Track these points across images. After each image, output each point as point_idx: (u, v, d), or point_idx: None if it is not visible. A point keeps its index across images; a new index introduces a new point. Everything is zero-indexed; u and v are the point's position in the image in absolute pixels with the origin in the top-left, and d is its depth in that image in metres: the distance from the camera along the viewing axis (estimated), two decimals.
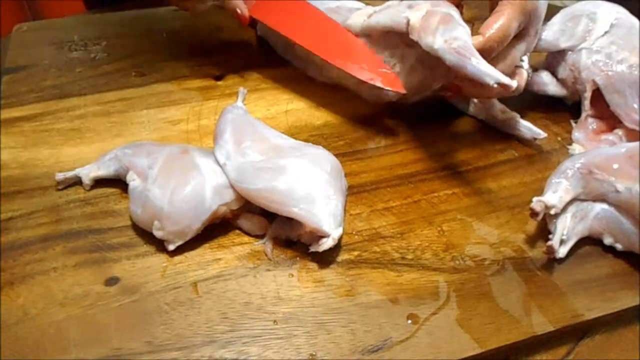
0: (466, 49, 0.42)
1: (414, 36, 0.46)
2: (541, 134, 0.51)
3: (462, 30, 0.44)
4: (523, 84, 0.48)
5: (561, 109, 0.57)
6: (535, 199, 0.41)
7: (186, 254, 0.40)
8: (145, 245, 0.40)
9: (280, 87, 0.57)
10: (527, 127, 0.52)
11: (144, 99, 0.54)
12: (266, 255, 0.40)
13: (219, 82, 0.57)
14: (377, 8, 0.51)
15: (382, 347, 0.35)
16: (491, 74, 0.41)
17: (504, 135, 0.53)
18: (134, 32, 0.64)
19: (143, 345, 0.34)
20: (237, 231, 0.42)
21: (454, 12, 0.45)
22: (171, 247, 0.39)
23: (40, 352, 0.34)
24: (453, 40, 0.43)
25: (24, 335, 0.34)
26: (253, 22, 0.62)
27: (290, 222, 0.40)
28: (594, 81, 0.51)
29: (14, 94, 0.53)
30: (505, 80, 0.41)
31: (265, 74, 0.59)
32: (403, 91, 0.49)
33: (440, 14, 0.44)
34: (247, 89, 0.55)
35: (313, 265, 0.40)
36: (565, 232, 0.41)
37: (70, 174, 0.44)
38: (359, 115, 0.54)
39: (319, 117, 0.54)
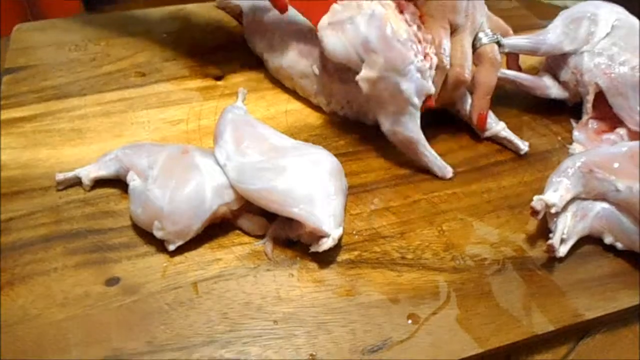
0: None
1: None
2: (523, 149, 0.51)
3: None
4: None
5: (561, 109, 0.56)
6: (535, 197, 0.40)
7: (186, 254, 0.40)
8: (145, 246, 0.40)
9: (280, 87, 0.57)
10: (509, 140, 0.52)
11: (144, 99, 0.54)
12: (266, 255, 0.40)
13: (219, 82, 0.57)
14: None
15: (382, 347, 0.35)
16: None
17: None
18: (134, 33, 0.64)
19: (143, 346, 0.34)
20: (237, 231, 0.42)
21: None
22: (171, 247, 0.39)
23: (41, 352, 0.34)
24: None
25: (24, 335, 0.34)
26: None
27: (291, 222, 0.40)
28: (596, 84, 0.51)
29: (14, 94, 0.54)
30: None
31: (265, 74, 0.59)
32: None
33: None
34: (247, 89, 0.55)
35: (313, 265, 0.40)
36: (566, 231, 0.41)
37: (70, 174, 0.44)
38: None
39: (319, 117, 0.54)
